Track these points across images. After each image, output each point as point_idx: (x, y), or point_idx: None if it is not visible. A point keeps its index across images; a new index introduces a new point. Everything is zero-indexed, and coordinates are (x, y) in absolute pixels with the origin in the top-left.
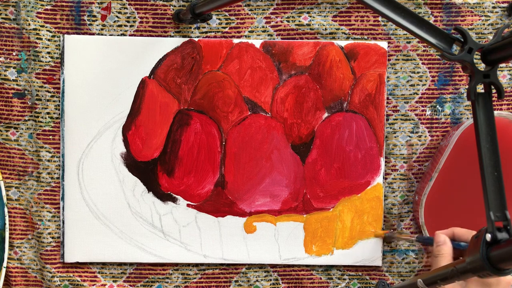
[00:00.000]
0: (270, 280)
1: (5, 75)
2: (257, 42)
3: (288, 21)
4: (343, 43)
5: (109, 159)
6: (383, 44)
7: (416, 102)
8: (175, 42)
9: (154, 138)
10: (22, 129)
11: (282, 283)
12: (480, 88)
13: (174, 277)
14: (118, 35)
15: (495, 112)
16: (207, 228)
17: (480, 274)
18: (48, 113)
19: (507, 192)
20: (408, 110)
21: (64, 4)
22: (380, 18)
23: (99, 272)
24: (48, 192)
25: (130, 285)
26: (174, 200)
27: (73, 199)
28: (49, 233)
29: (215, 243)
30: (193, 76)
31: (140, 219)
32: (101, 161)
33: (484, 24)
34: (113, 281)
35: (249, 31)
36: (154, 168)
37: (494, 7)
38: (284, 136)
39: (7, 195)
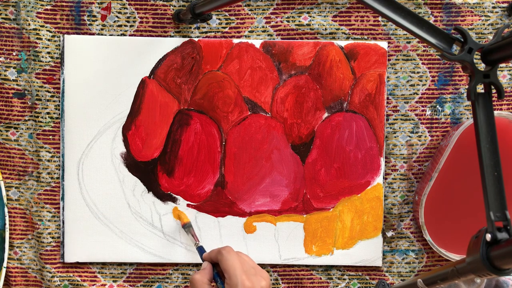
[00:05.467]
0: (270, 280)
1: (5, 75)
2: (257, 42)
3: (288, 21)
4: (343, 43)
5: (109, 159)
6: (383, 44)
7: (416, 102)
8: (175, 42)
9: (154, 138)
10: (22, 129)
11: (282, 283)
12: (480, 88)
13: (174, 277)
14: (118, 35)
15: (495, 112)
16: (207, 228)
17: (480, 274)
18: (48, 113)
19: (507, 192)
20: (408, 110)
21: (64, 4)
22: (380, 18)
23: (99, 272)
24: (48, 192)
25: (130, 285)
26: (174, 200)
27: (73, 199)
28: (49, 233)
29: (215, 243)
30: (193, 76)
31: (140, 219)
32: (101, 161)
33: (484, 24)
34: (113, 281)
35: (249, 31)
36: (154, 168)
37: (494, 7)
38: (284, 136)
39: (7, 195)
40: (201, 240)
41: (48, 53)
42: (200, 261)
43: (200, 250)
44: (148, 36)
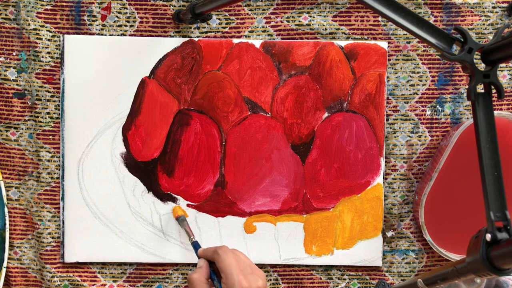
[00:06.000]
0: (270, 280)
1: (5, 75)
2: (257, 42)
3: (288, 21)
4: (343, 43)
5: (109, 159)
6: (383, 44)
7: (416, 102)
8: (175, 42)
9: (154, 138)
10: (22, 129)
11: (282, 283)
12: (480, 88)
13: (174, 277)
14: (118, 35)
15: (495, 112)
16: (207, 228)
17: (480, 274)
18: (48, 113)
19: (507, 192)
20: (408, 110)
21: (64, 4)
22: (380, 18)
23: (99, 272)
24: (48, 192)
25: (130, 285)
26: (174, 200)
27: (73, 199)
28: (49, 233)
29: (215, 243)
30: (193, 76)
31: (140, 219)
32: (101, 161)
33: (484, 24)
34: (113, 281)
35: (249, 31)
36: (154, 168)
37: (494, 7)
38: (284, 136)
39: (7, 195)
40: (201, 241)
41: (48, 53)
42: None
43: (195, 245)
44: (148, 36)
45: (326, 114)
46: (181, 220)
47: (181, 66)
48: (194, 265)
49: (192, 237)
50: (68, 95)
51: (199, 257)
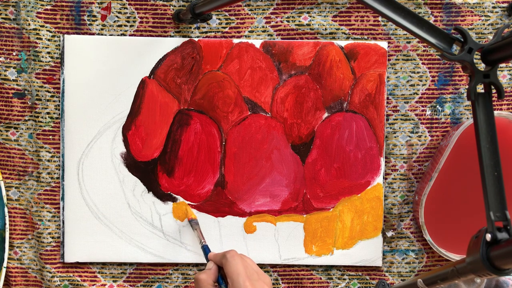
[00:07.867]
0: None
1: (5, 75)
2: (257, 42)
3: (288, 21)
4: (343, 43)
5: (109, 159)
6: (383, 44)
7: (416, 102)
8: (175, 42)
9: (154, 138)
10: (22, 129)
11: (282, 283)
12: (480, 88)
13: (174, 277)
14: (118, 35)
15: (495, 112)
16: (207, 228)
17: (480, 274)
18: (48, 113)
19: (507, 192)
20: (408, 110)
21: (64, 4)
22: (380, 18)
23: (99, 272)
24: (48, 192)
25: (130, 285)
26: (174, 200)
27: (73, 199)
28: (49, 233)
29: (215, 243)
30: (193, 76)
31: (140, 219)
32: (101, 161)
33: (484, 24)
34: (113, 281)
35: (249, 31)
36: (154, 168)
37: (494, 7)
38: (284, 136)
39: (7, 195)
40: None
41: (48, 53)
42: (202, 260)
43: (205, 249)
44: (148, 36)
45: (326, 114)
46: (194, 223)
47: (181, 66)
48: (195, 265)
49: (203, 240)
50: (68, 95)
51: (208, 261)
